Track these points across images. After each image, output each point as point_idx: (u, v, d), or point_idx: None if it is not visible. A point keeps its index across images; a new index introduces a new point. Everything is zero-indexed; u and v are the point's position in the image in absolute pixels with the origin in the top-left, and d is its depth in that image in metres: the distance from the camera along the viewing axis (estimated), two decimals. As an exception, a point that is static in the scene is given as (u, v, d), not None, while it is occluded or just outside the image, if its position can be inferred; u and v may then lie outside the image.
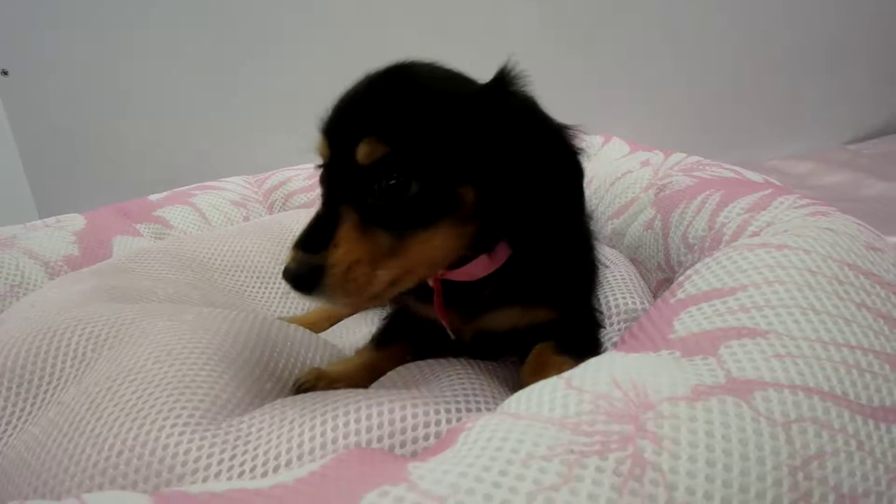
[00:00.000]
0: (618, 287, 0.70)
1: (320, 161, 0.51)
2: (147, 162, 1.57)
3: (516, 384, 0.53)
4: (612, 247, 0.86)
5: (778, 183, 0.84)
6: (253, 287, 0.91)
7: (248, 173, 1.25)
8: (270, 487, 0.32)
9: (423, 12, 1.66)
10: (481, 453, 0.33)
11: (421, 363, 0.57)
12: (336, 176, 0.49)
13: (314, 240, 0.46)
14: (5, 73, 1.47)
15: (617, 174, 0.95)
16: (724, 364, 0.40)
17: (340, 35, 1.63)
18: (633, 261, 0.79)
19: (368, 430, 0.45)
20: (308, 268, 0.45)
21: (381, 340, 0.61)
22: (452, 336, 0.56)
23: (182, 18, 1.56)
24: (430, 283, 0.54)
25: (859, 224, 0.59)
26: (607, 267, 0.76)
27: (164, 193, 1.13)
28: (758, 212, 0.64)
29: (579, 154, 0.52)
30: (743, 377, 0.38)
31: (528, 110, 0.51)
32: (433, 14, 1.66)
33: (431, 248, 0.48)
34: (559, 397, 0.37)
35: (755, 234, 0.59)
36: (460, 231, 0.48)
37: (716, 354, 0.41)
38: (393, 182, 0.46)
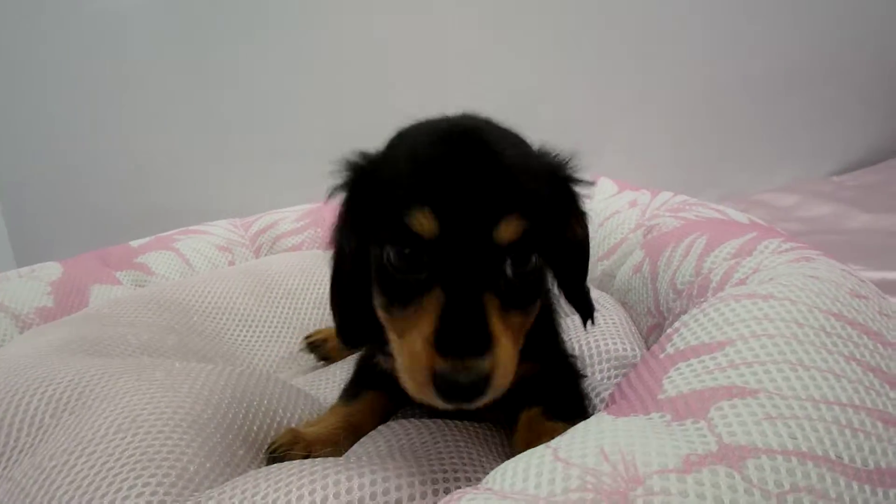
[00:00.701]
0: (608, 332, 0.69)
1: (415, 237, 0.43)
2: (131, 207, 1.55)
3: (505, 449, 0.51)
4: (602, 290, 0.85)
5: (762, 223, 0.84)
6: (233, 330, 0.88)
7: (236, 216, 1.24)
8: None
9: (414, 52, 1.69)
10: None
11: (406, 424, 0.55)
12: (457, 255, 0.42)
13: (470, 340, 0.40)
14: None
15: (605, 215, 0.96)
16: (715, 429, 0.38)
17: (328, 74, 1.65)
18: (624, 304, 0.78)
19: (349, 503, 0.43)
20: (481, 377, 0.39)
21: (353, 392, 0.58)
22: None
23: (164, 59, 1.57)
24: None
25: (843, 269, 0.59)
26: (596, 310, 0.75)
27: (147, 239, 1.12)
28: (744, 257, 0.64)
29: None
30: (735, 443, 0.37)
31: (577, 194, 0.53)
32: (424, 48, 1.69)
33: (533, 317, 0.47)
34: (546, 471, 0.36)
35: (741, 282, 0.59)
36: None
37: (706, 418, 0.39)
38: (525, 259, 0.44)
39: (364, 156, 0.51)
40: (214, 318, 0.89)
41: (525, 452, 0.39)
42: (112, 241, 1.13)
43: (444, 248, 0.42)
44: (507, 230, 0.42)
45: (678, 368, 0.46)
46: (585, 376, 0.60)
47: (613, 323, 0.71)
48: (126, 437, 0.48)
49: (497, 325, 0.41)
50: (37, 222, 1.56)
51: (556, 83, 1.75)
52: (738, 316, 0.49)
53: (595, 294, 0.81)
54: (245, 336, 0.88)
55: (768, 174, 1.82)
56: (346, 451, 0.54)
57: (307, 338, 0.86)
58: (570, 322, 0.72)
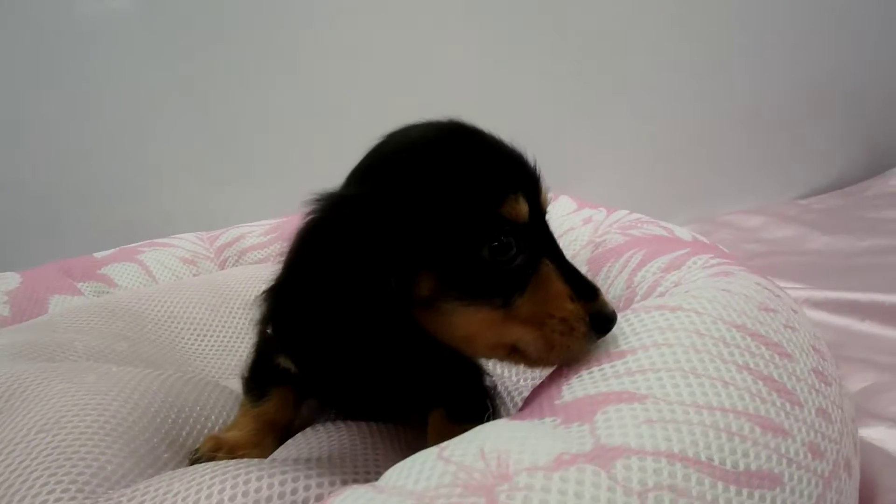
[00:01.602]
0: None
1: (510, 225, 0.45)
2: (99, 219, 1.58)
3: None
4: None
5: (704, 241, 0.87)
6: (187, 339, 0.90)
7: (203, 230, 1.26)
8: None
9: (388, 72, 1.74)
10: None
11: (331, 428, 0.57)
12: (544, 230, 0.49)
13: (592, 285, 0.48)
14: None
15: (560, 232, 0.98)
16: (595, 431, 0.40)
17: (300, 92, 1.68)
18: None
19: (256, 502, 0.44)
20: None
21: (259, 392, 0.58)
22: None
23: (135, 73, 1.59)
24: None
25: (759, 284, 0.61)
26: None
27: (111, 250, 1.14)
28: (670, 271, 0.66)
29: None
30: (610, 444, 0.38)
31: None
32: (400, 68, 1.73)
33: None
34: (426, 469, 0.37)
35: (661, 295, 0.61)
36: None
37: (592, 421, 0.41)
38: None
39: (351, 186, 0.49)
40: (168, 327, 0.90)
41: (417, 453, 0.40)
42: (80, 252, 1.15)
43: (533, 226, 0.47)
44: (546, 200, 0.50)
45: (580, 376, 0.48)
46: (488, 374, 0.61)
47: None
48: (47, 437, 0.49)
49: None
50: (2, 232, 1.57)
51: (532, 106, 1.80)
52: (644, 326, 0.51)
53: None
54: (198, 345, 0.90)
55: (738, 199, 1.86)
56: (271, 450, 0.56)
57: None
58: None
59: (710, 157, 1.90)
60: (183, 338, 0.90)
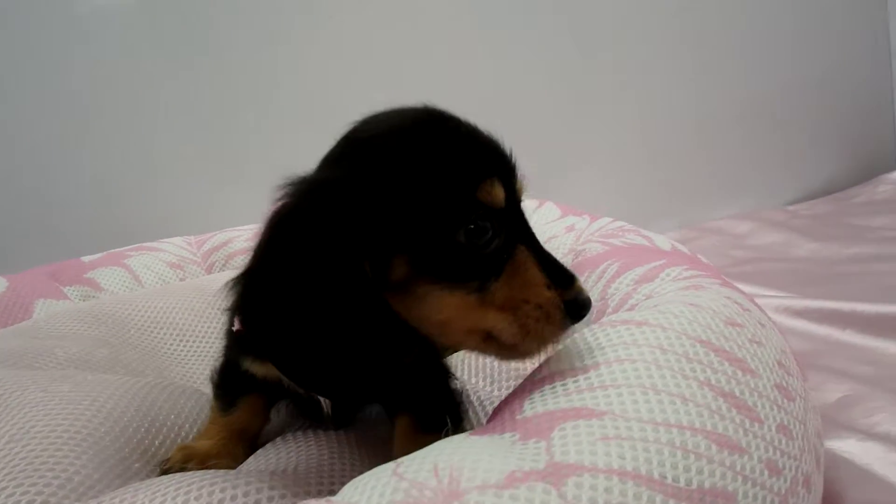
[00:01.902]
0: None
1: (487, 210, 0.46)
2: (89, 223, 1.58)
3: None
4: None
5: (683, 251, 0.87)
6: (170, 345, 0.90)
7: (195, 234, 1.27)
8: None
9: (383, 77, 1.74)
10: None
11: (301, 438, 0.57)
12: (519, 215, 0.49)
13: (568, 271, 0.49)
14: None
15: (543, 239, 0.98)
16: (551, 448, 0.41)
17: (295, 89, 1.69)
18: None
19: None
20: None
21: (228, 401, 0.58)
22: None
23: (124, 78, 1.59)
24: None
25: (729, 297, 0.62)
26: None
27: (100, 255, 1.14)
28: (643, 284, 0.67)
29: None
30: (564, 461, 0.39)
31: None
32: (394, 71, 1.74)
33: None
34: (380, 485, 0.38)
35: (632, 308, 0.62)
36: None
37: (549, 437, 0.42)
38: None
39: (326, 171, 0.48)
40: (151, 332, 0.91)
41: (373, 469, 0.41)
42: (68, 256, 1.16)
43: (509, 211, 0.47)
44: (522, 188, 0.50)
45: (542, 390, 0.48)
46: (455, 377, 0.61)
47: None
48: (16, 447, 0.50)
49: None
50: None
51: (520, 111, 1.80)
52: (609, 341, 0.52)
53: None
54: (181, 350, 0.90)
55: (727, 205, 1.87)
56: (242, 459, 0.56)
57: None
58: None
59: (699, 163, 1.91)
60: (166, 343, 0.91)
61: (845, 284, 1.17)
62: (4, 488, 0.45)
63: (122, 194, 1.60)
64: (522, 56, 1.79)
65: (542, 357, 0.50)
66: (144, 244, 1.19)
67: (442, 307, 0.45)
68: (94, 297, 1.07)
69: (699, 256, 0.86)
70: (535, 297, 0.46)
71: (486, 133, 0.50)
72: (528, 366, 0.70)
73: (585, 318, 0.48)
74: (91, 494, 0.49)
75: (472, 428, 0.57)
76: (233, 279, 0.46)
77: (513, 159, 0.50)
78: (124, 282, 1.09)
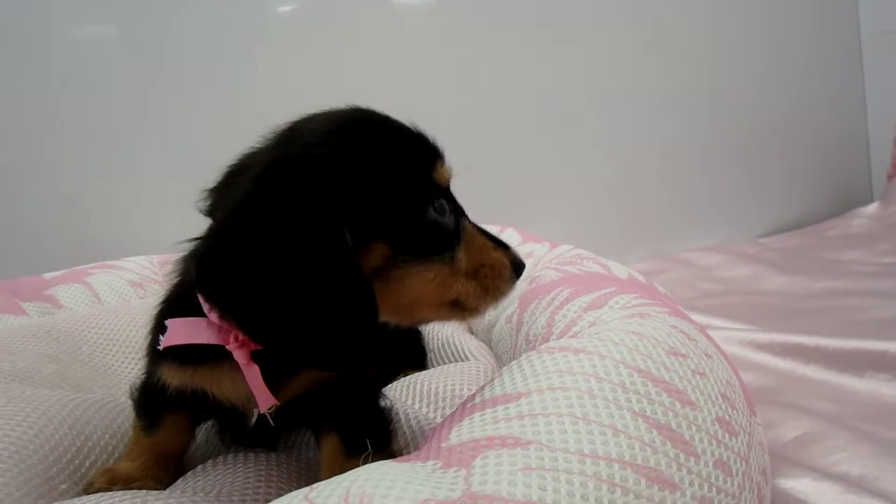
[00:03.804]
0: (467, 377, 0.70)
1: (438, 188, 0.51)
2: (50, 242, 1.57)
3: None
4: (484, 340, 0.87)
5: (641, 280, 0.87)
6: (122, 363, 0.88)
7: (154, 253, 1.26)
8: None
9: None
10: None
11: (232, 460, 0.55)
12: (451, 195, 0.54)
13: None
14: None
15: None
16: (470, 477, 0.39)
17: (257, 118, 1.70)
18: (496, 354, 0.80)
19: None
20: None
21: (150, 421, 0.55)
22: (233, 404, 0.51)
23: (94, 96, 1.61)
24: (239, 356, 0.47)
25: (675, 327, 0.61)
26: (468, 360, 0.76)
27: (61, 272, 1.13)
28: (590, 311, 0.66)
29: None
30: (481, 492, 0.38)
31: None
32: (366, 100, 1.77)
33: None
34: (290, 512, 0.36)
35: (574, 336, 0.61)
36: None
37: (469, 466, 0.41)
38: None
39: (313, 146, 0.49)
40: (104, 349, 0.89)
41: (287, 494, 0.39)
42: (31, 271, 1.14)
43: (450, 191, 0.53)
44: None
45: (472, 417, 0.47)
46: (385, 396, 0.60)
47: (477, 371, 0.72)
48: None
49: None
50: None
51: (488, 140, 1.83)
52: (545, 368, 0.51)
53: (473, 344, 0.83)
54: (132, 369, 0.88)
55: (698, 237, 1.88)
56: (168, 480, 0.54)
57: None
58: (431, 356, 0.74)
59: (671, 194, 1.94)
60: (118, 360, 0.89)
61: (812, 319, 1.17)
62: None
63: (87, 214, 1.59)
64: (495, 84, 1.83)
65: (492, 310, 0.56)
66: (107, 262, 1.17)
67: (419, 283, 0.49)
68: (52, 313, 1.05)
69: (655, 285, 0.86)
70: (488, 259, 0.53)
71: (414, 125, 0.54)
72: (467, 390, 0.69)
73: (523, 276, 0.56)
74: None
75: (401, 448, 0.56)
76: (193, 254, 0.45)
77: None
78: (84, 299, 1.07)
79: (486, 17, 1.80)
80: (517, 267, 0.55)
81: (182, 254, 0.49)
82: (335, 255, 0.43)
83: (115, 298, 1.09)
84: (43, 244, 1.54)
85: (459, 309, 0.52)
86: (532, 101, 1.85)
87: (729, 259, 1.60)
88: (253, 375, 0.47)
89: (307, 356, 0.45)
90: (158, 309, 0.54)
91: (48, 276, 1.11)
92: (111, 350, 0.90)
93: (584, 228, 1.82)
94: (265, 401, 0.47)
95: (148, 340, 0.56)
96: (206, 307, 0.46)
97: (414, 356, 0.87)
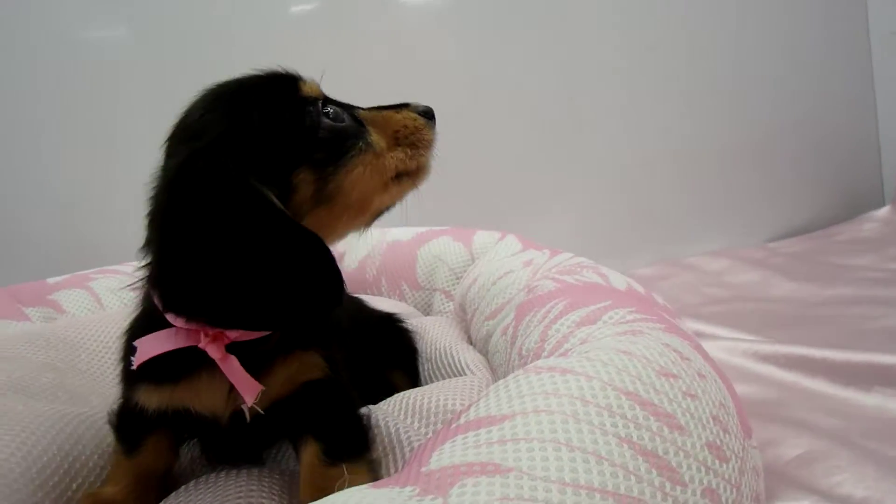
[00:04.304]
0: (459, 390, 0.70)
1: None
2: (55, 247, 1.59)
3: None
4: (481, 351, 0.86)
5: (639, 291, 0.86)
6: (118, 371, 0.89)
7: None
8: None
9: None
10: None
11: (212, 481, 0.55)
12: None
13: None
14: None
15: (499, 273, 0.97)
16: (446, 506, 0.39)
17: None
18: (491, 366, 0.79)
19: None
20: None
21: (131, 443, 0.55)
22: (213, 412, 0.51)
23: (87, 98, 1.63)
24: (213, 351, 0.48)
25: (668, 345, 0.60)
26: (465, 374, 0.76)
27: (64, 276, 1.14)
28: (583, 326, 0.65)
29: None
30: (455, 524, 0.37)
31: None
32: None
33: None
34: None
35: (565, 353, 0.60)
36: None
37: (446, 494, 0.40)
38: None
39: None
40: (103, 357, 0.90)
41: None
42: (35, 276, 1.16)
43: (328, 99, 0.57)
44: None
45: (454, 440, 0.46)
46: (362, 404, 0.60)
47: (472, 386, 0.71)
48: None
49: None
50: None
51: (496, 146, 1.81)
52: (531, 389, 0.50)
53: (470, 356, 0.82)
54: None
55: (705, 241, 1.85)
56: (152, 500, 0.54)
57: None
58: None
59: (677, 198, 1.91)
60: (115, 369, 0.89)
61: (819, 328, 1.15)
62: None
63: (90, 219, 1.61)
64: (499, 86, 1.82)
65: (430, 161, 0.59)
66: (108, 267, 1.18)
67: (357, 182, 0.52)
68: (55, 318, 1.06)
69: (655, 297, 0.85)
70: (397, 123, 0.57)
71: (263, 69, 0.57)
72: (459, 405, 0.68)
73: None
74: None
75: (380, 457, 0.55)
76: (145, 264, 0.49)
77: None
78: (86, 304, 1.08)
79: (492, 18, 1.79)
80: (425, 114, 0.58)
81: (135, 287, 0.53)
82: (263, 213, 0.45)
83: (116, 303, 1.10)
84: (46, 249, 1.56)
85: (406, 177, 0.57)
86: (537, 103, 1.83)
87: (736, 264, 1.57)
88: (230, 366, 0.47)
89: (279, 318, 0.46)
90: (125, 338, 0.55)
91: (51, 280, 1.13)
92: (110, 357, 0.90)
93: (589, 232, 1.80)
94: (249, 388, 0.47)
95: (120, 367, 0.56)
96: (173, 320, 0.47)
97: (401, 355, 0.85)
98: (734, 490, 0.48)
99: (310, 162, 0.50)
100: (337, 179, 0.51)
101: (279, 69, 0.57)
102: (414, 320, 1.03)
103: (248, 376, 0.47)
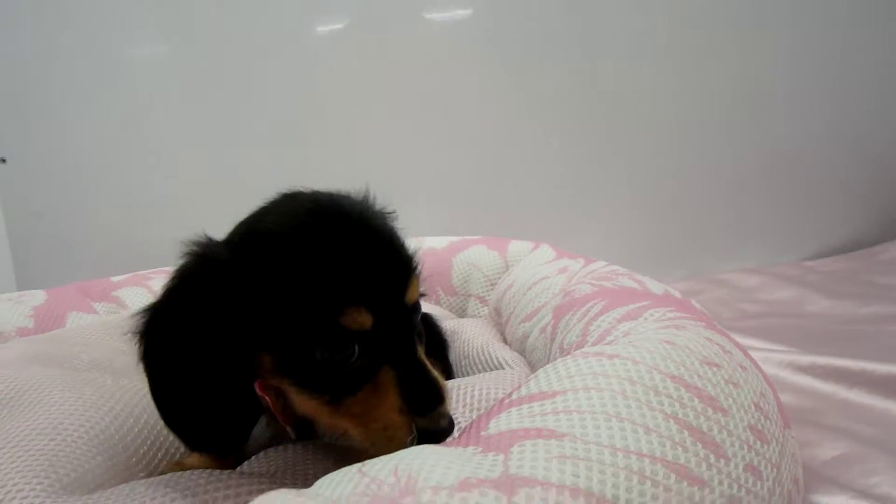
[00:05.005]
0: (503, 383, 0.73)
1: (349, 333, 0.47)
2: (120, 246, 1.71)
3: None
4: (519, 350, 0.89)
5: (676, 295, 0.88)
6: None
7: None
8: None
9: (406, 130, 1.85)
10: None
11: (280, 450, 0.60)
12: (387, 331, 0.48)
13: (432, 393, 0.49)
14: (3, 160, 1.73)
15: (535, 279, 1.01)
16: (508, 461, 0.43)
17: (313, 130, 1.82)
18: (530, 363, 0.83)
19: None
20: (450, 414, 0.50)
21: None
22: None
23: (164, 108, 1.77)
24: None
25: (710, 339, 0.62)
26: (503, 368, 0.79)
27: (126, 275, 1.22)
28: (624, 321, 0.69)
29: None
30: (518, 474, 0.41)
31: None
32: (410, 134, 1.85)
33: None
34: (346, 480, 0.41)
35: (609, 344, 0.63)
36: None
37: (507, 452, 0.44)
38: (419, 306, 0.53)
39: (222, 247, 0.51)
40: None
41: (343, 468, 0.44)
42: (99, 274, 1.25)
43: (378, 333, 0.47)
44: (414, 293, 0.50)
45: (509, 412, 0.50)
46: None
47: (513, 378, 0.75)
48: (44, 440, 0.56)
49: (431, 368, 0.50)
50: (38, 253, 1.73)
51: (530, 160, 1.86)
52: (579, 370, 0.54)
53: (508, 354, 0.86)
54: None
55: (739, 258, 1.85)
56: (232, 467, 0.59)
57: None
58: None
59: (709, 214, 1.91)
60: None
61: (858, 343, 1.14)
62: (36, 475, 0.51)
63: (148, 223, 1.73)
64: (530, 99, 1.85)
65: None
66: (165, 268, 1.26)
67: (302, 403, 0.50)
68: (118, 313, 1.14)
69: (692, 302, 0.87)
70: (382, 419, 0.48)
71: (376, 235, 0.50)
72: (502, 394, 0.71)
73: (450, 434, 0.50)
74: (101, 489, 0.53)
75: None
76: (141, 315, 0.54)
77: (402, 268, 0.50)
78: (146, 300, 1.15)
79: (519, 31, 1.82)
80: (430, 437, 0.48)
81: None
82: (216, 361, 0.47)
83: (175, 301, 1.17)
84: (108, 250, 1.68)
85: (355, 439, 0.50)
86: (568, 116, 1.87)
87: (770, 281, 1.57)
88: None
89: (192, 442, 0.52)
90: None
91: (114, 279, 1.21)
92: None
93: (620, 246, 1.82)
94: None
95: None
96: None
97: (434, 346, 0.82)
98: (775, 469, 0.50)
99: (280, 359, 0.48)
100: (291, 388, 0.49)
101: (381, 258, 0.49)
102: (450, 322, 1.08)
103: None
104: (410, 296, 0.50)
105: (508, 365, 0.81)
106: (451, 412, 0.50)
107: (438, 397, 0.49)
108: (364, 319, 0.47)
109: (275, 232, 0.49)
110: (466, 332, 0.98)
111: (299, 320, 0.46)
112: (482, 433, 0.48)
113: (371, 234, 0.50)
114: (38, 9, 1.74)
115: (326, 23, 1.83)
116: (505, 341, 0.99)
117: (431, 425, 0.48)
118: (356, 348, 0.47)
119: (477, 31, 1.84)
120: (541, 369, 0.57)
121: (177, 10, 1.79)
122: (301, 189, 0.55)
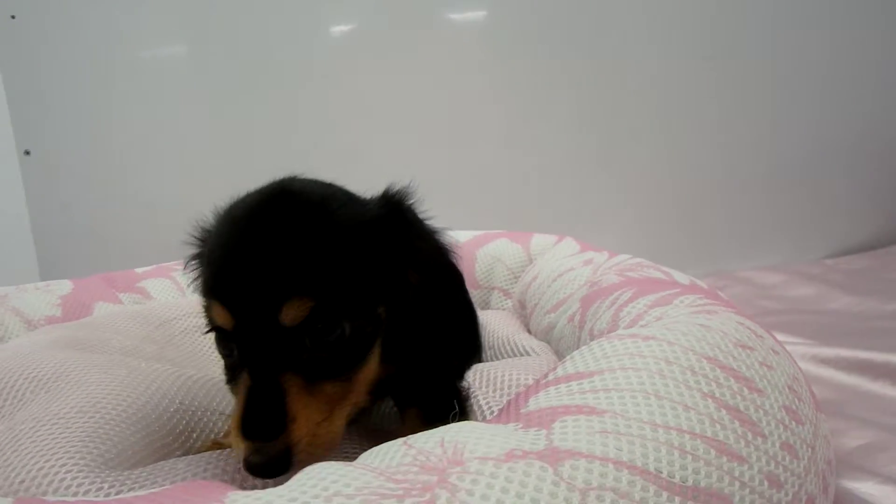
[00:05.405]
0: (531, 369, 0.74)
1: (216, 326, 0.48)
2: (144, 239, 1.74)
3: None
4: (546, 339, 0.90)
5: (702, 285, 0.88)
6: (210, 348, 0.97)
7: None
8: (112, 500, 0.36)
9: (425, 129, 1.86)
10: (302, 490, 0.37)
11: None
12: (252, 342, 0.46)
13: (265, 423, 0.44)
14: (27, 153, 1.77)
15: (560, 271, 1.02)
16: (551, 435, 0.43)
17: (341, 131, 1.83)
18: (557, 352, 0.83)
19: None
20: (274, 456, 0.43)
21: None
22: None
23: (187, 109, 1.80)
24: None
25: (742, 324, 0.63)
26: (529, 356, 0.80)
27: (151, 267, 1.24)
28: (656, 307, 0.69)
29: (455, 260, 0.61)
30: (562, 447, 0.41)
31: (421, 231, 0.59)
32: (434, 132, 1.86)
33: (371, 373, 0.51)
34: (392, 451, 0.41)
35: (643, 327, 0.64)
36: (380, 346, 0.53)
37: (549, 427, 0.44)
38: (326, 331, 0.46)
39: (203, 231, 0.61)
40: (194, 335, 0.98)
41: (388, 442, 0.44)
42: (123, 266, 1.27)
43: (241, 335, 0.47)
44: (290, 313, 0.45)
45: (548, 391, 0.51)
46: (464, 378, 0.64)
47: (540, 364, 0.76)
48: (84, 417, 0.57)
49: (297, 404, 0.44)
50: (62, 245, 1.76)
51: (553, 159, 1.87)
52: (615, 351, 0.54)
53: (534, 343, 0.86)
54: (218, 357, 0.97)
55: (759, 256, 1.84)
56: None
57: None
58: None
59: (732, 212, 1.90)
60: (205, 345, 0.97)
61: (883, 338, 1.13)
62: (78, 450, 0.52)
63: (171, 217, 1.75)
64: (551, 97, 1.86)
65: None
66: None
67: None
68: (143, 303, 1.16)
69: (718, 292, 0.87)
70: (230, 437, 0.47)
71: (261, 244, 0.47)
72: (532, 380, 0.72)
73: (276, 476, 0.44)
74: (140, 465, 0.54)
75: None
76: None
77: (267, 282, 0.46)
78: (170, 292, 1.18)
79: (540, 30, 1.83)
80: (250, 468, 0.43)
81: None
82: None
83: (198, 292, 1.19)
84: (135, 242, 1.71)
85: None
86: (590, 115, 1.87)
87: (791, 278, 1.56)
88: None
89: None
90: None
91: (139, 270, 1.23)
92: (198, 338, 0.98)
93: (642, 243, 1.82)
94: None
95: None
96: None
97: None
98: (810, 449, 0.50)
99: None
100: None
101: (262, 266, 0.47)
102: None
103: None
104: (285, 315, 0.45)
105: (535, 352, 0.82)
106: (303, 457, 0.43)
107: (264, 432, 0.43)
108: (223, 317, 0.47)
109: (215, 217, 0.57)
110: (491, 324, 0.99)
111: (203, 300, 0.51)
112: (521, 410, 0.48)
113: (256, 242, 0.47)
114: (61, 5, 1.78)
115: (343, 23, 1.86)
116: (529, 332, 1.00)
117: (246, 455, 0.43)
118: (226, 343, 0.50)
119: (493, 28, 1.85)
120: (575, 351, 0.57)
121: (194, 11, 1.83)
122: (297, 176, 0.61)
